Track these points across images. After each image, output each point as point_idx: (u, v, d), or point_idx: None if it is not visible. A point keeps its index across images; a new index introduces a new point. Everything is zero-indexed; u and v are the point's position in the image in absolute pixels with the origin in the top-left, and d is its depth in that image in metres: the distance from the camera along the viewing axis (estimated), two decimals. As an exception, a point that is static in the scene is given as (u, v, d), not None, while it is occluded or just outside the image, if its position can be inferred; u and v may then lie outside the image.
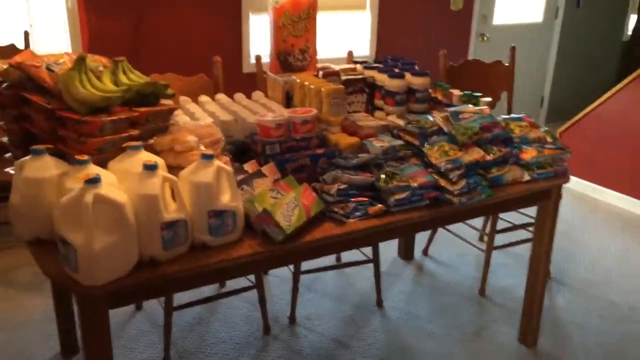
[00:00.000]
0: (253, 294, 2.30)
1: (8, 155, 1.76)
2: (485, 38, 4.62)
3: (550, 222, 2.11)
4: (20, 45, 2.92)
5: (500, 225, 2.66)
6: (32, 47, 2.97)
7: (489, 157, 1.86)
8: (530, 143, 2.00)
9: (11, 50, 2.88)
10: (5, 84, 1.65)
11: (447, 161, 1.79)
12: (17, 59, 1.63)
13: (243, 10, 3.61)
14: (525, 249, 2.59)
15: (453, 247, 3.01)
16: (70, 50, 3.15)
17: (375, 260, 2.47)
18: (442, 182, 1.77)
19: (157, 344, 2.26)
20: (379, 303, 2.56)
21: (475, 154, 1.85)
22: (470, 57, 4.55)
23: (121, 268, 1.32)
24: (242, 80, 3.54)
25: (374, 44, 4.11)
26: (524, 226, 2.71)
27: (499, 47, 4.66)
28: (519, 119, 2.07)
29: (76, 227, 1.27)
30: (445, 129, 1.92)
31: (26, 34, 2.91)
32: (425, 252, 3.01)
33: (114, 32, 3.25)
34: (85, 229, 1.25)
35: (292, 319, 2.44)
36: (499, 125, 1.97)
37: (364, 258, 2.53)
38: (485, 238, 3.07)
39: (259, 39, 3.72)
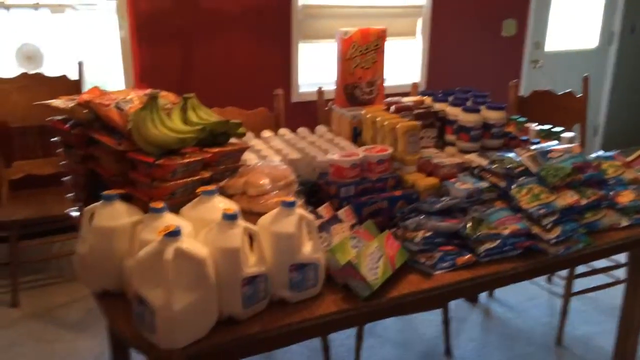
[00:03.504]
0: (314, 340, 2.15)
1: (70, 195, 1.67)
2: (538, 65, 4.45)
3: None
4: (73, 76, 2.87)
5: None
6: (84, 78, 2.92)
7: (583, 201, 1.70)
8: (626, 185, 1.83)
9: (63, 82, 2.82)
10: (72, 122, 1.57)
11: (540, 206, 1.64)
12: (85, 97, 1.54)
13: (293, 38, 3.53)
14: (603, 293, 2.39)
15: (519, 288, 2.82)
16: (122, 81, 3.10)
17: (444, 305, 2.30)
18: (535, 230, 1.62)
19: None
20: (448, 352, 2.38)
21: (569, 197, 1.69)
22: (523, 84, 4.40)
23: (200, 329, 1.20)
24: (291, 110, 3.44)
25: (424, 71, 3.98)
26: (605, 270, 2.51)
27: (552, 74, 4.50)
28: (611, 158, 1.91)
29: (154, 284, 1.15)
30: (533, 170, 1.76)
31: (80, 65, 2.86)
32: (490, 294, 2.83)
33: (165, 63, 3.20)
34: (165, 287, 1.13)
35: (356, 369, 2.29)
36: (592, 165, 1.81)
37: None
38: (554, 279, 2.89)
39: (307, 67, 3.64)
